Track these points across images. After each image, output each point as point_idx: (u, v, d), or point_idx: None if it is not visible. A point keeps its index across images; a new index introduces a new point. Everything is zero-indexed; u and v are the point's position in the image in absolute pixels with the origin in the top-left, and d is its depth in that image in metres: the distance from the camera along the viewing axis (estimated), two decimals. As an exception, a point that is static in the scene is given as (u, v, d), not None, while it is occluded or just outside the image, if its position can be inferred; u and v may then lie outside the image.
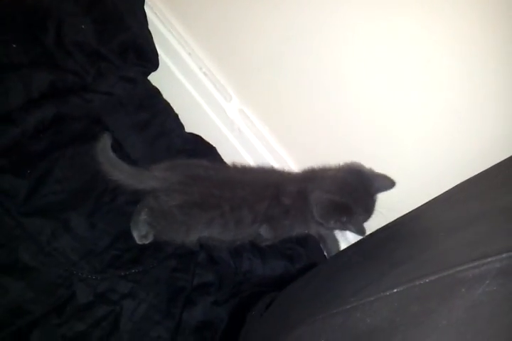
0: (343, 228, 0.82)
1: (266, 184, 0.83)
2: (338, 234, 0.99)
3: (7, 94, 0.85)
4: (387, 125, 0.86)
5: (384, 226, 0.72)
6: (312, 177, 0.84)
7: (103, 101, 0.94)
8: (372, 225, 0.78)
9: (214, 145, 1.08)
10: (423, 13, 0.72)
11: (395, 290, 0.49)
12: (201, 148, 1.06)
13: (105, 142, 0.81)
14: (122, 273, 0.81)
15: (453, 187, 0.68)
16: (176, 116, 1.06)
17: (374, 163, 0.84)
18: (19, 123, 0.82)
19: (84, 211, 0.83)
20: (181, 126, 1.07)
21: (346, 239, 1.01)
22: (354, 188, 0.79)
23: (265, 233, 0.85)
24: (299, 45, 0.89)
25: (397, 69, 0.80)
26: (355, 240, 0.85)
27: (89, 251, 0.81)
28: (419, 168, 0.85)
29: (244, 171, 0.87)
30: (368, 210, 0.80)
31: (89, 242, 0.81)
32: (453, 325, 0.42)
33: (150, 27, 1.03)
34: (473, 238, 0.50)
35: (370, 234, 0.75)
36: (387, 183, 0.80)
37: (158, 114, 1.02)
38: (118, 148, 0.91)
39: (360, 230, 0.79)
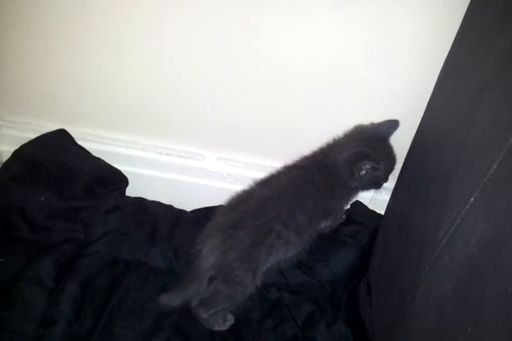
0: (374, 179, 0.84)
1: (294, 183, 0.83)
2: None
3: (29, 305, 0.81)
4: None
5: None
6: (327, 151, 0.86)
7: (106, 242, 0.93)
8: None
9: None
10: None
11: (472, 199, 0.49)
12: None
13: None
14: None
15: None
16: (171, 206, 1.05)
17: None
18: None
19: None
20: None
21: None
22: (365, 141, 0.83)
23: (326, 224, 0.88)
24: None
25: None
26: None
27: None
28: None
29: (266, 184, 0.85)
30: (389, 156, 0.84)
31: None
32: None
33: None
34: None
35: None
36: (392, 124, 0.85)
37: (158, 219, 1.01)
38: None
39: (386, 178, 0.85)
